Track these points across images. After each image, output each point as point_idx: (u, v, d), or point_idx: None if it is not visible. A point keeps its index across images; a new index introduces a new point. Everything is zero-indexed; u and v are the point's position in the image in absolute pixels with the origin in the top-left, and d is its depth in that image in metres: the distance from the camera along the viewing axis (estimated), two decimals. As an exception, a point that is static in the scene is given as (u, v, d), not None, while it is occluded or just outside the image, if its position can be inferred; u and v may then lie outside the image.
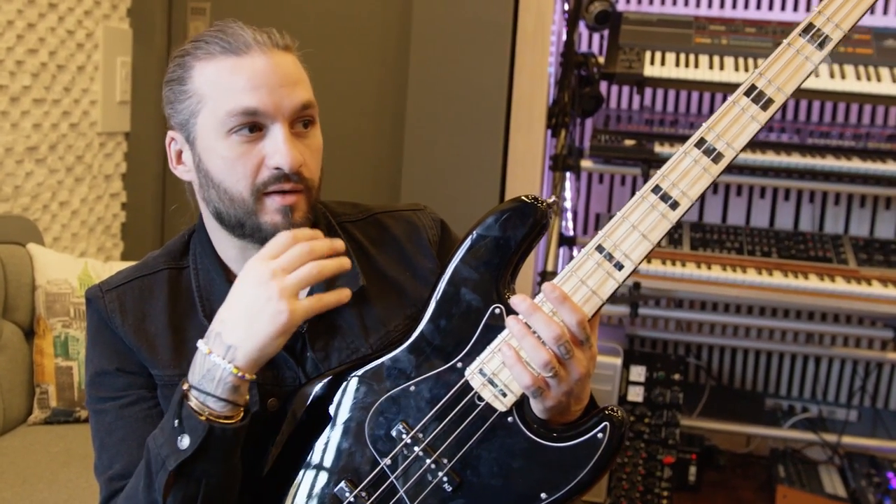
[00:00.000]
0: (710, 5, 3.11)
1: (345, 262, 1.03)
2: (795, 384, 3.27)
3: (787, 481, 2.84)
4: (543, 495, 1.00)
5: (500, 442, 1.01)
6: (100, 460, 1.14)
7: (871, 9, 0.94)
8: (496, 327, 1.03)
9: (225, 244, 1.17)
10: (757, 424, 3.08)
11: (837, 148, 2.76)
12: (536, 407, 1.00)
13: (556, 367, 0.95)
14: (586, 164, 2.82)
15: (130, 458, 1.09)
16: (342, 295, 1.03)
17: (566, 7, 2.84)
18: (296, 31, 1.17)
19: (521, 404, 1.01)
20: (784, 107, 3.42)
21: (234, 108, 1.07)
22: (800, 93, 2.75)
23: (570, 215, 3.00)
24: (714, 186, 3.14)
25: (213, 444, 0.99)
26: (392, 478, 1.04)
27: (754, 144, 2.76)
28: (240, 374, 0.99)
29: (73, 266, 2.28)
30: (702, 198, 3.13)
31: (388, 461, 1.04)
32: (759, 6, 3.09)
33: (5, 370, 2.14)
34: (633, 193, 1.07)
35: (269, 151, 1.08)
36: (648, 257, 2.71)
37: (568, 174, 2.87)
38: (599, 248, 0.99)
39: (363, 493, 1.04)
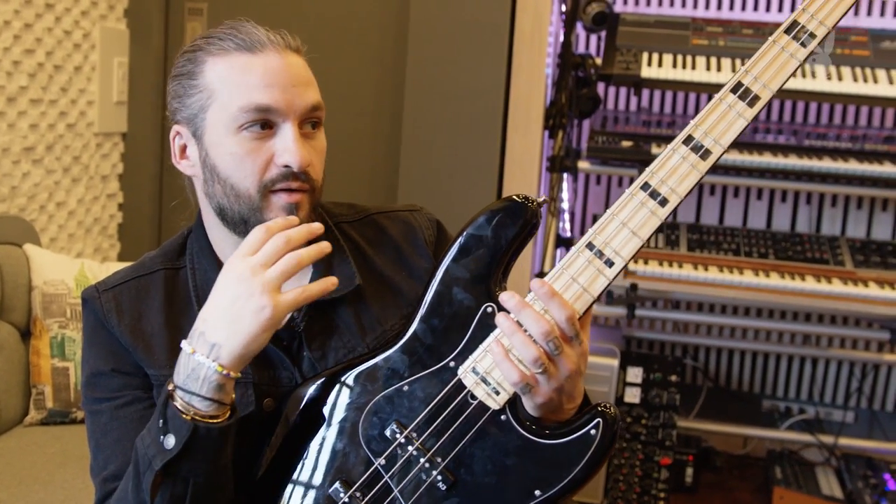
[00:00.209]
0: (707, 7, 3.11)
1: (324, 247, 1.02)
2: (792, 386, 3.27)
3: (783, 483, 2.84)
4: (538, 492, 1.00)
5: (494, 440, 1.01)
6: (95, 461, 1.14)
7: (856, 7, 0.95)
8: (488, 326, 1.03)
9: (224, 242, 1.17)
10: (754, 426, 3.08)
11: (834, 149, 2.76)
12: (528, 404, 1.00)
13: (546, 364, 0.95)
14: (583, 165, 2.82)
15: (126, 458, 1.09)
16: (327, 284, 1.03)
17: (563, 8, 2.85)
18: (293, 32, 1.17)
19: (515, 402, 1.02)
20: (781, 108, 3.43)
21: (247, 104, 1.08)
22: (797, 94, 2.77)
23: (567, 216, 3.00)
24: (711, 188, 3.14)
25: (199, 444, 0.99)
26: (386, 477, 1.04)
27: (751, 146, 2.77)
28: (224, 371, 0.98)
29: (69, 267, 2.28)
30: (699, 199, 3.15)
31: (382, 461, 1.04)
32: (756, 8, 3.09)
33: (1, 371, 2.14)
34: (630, 195, 1.07)
35: (279, 150, 1.09)
36: (645, 258, 2.73)
37: (565, 175, 2.87)
38: (590, 246, 1.00)
39: (357, 494, 1.04)
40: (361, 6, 2.87)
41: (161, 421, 0.99)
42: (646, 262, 2.69)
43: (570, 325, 0.96)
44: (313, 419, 1.08)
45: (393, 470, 1.04)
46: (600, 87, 2.95)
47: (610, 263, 1.00)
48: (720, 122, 1.00)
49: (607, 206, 3.30)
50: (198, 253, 1.20)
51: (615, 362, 2.71)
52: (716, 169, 2.87)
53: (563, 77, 2.78)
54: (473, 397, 1.02)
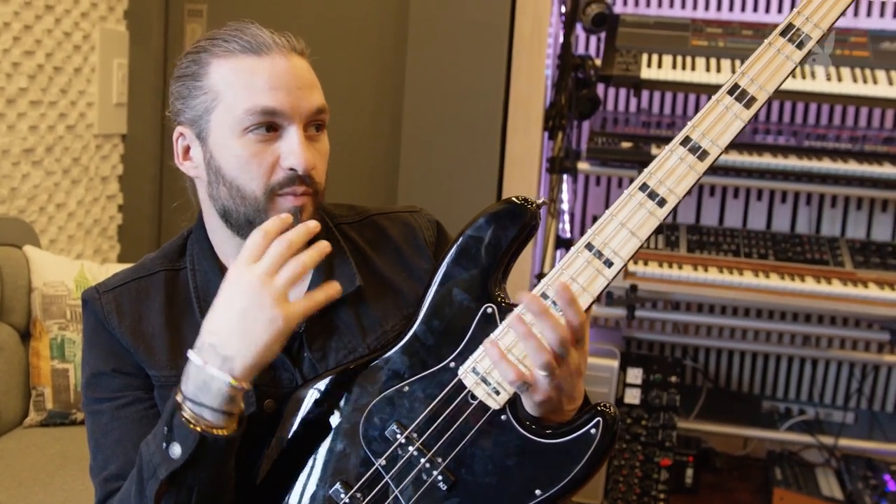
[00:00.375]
0: (706, 8, 3.12)
1: (324, 247, 1.02)
2: (792, 386, 3.27)
3: (783, 484, 2.84)
4: (538, 492, 1.00)
5: (494, 440, 1.02)
6: (95, 461, 1.14)
7: (853, 8, 0.96)
8: (488, 327, 1.04)
9: (226, 244, 1.17)
10: (754, 427, 3.08)
11: (834, 150, 2.76)
12: (528, 404, 1.00)
13: (553, 367, 0.95)
14: (583, 166, 2.82)
15: (126, 459, 1.09)
16: (332, 290, 1.03)
17: (563, 9, 2.85)
18: (293, 32, 1.17)
19: (515, 402, 1.02)
20: (781, 109, 3.42)
21: (253, 106, 1.08)
22: (796, 95, 2.77)
23: (566, 217, 3.00)
24: (711, 189, 3.14)
25: (206, 454, 0.99)
26: (387, 478, 1.04)
27: (751, 147, 2.77)
28: (237, 384, 0.98)
29: (69, 268, 2.28)
30: (698, 200, 3.15)
31: (382, 462, 1.04)
32: (755, 9, 3.09)
33: (1, 372, 2.14)
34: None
35: (284, 152, 1.09)
36: (645, 259, 2.72)
37: (565, 176, 2.87)
38: (589, 246, 1.00)
39: (358, 494, 1.04)
40: (361, 6, 2.88)
41: (166, 429, 0.99)
42: (646, 263, 2.69)
43: (581, 331, 0.96)
44: (314, 420, 1.08)
45: (393, 470, 1.04)
46: (600, 88, 2.95)
47: (609, 263, 1.00)
48: (717, 124, 1.01)
49: (607, 207, 3.29)
50: (198, 254, 1.19)
51: (615, 363, 2.71)
52: (715, 170, 2.87)
53: (563, 78, 2.78)
54: (474, 397, 1.02)
